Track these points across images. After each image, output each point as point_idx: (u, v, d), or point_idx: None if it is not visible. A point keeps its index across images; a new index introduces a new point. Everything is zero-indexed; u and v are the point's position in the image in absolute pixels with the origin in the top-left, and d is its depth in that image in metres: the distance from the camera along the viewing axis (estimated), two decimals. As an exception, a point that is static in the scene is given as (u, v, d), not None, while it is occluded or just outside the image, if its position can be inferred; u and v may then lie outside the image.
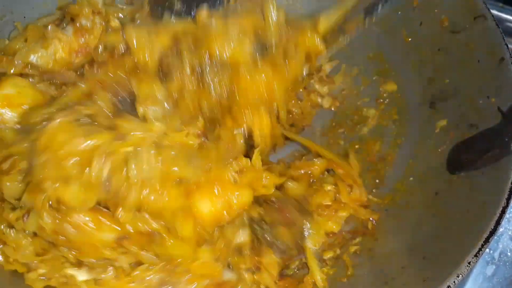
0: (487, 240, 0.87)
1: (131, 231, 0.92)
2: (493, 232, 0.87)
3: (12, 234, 0.98)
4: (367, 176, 1.22)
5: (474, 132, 1.02)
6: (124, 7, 1.24)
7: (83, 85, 1.01)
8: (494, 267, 1.27)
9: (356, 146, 1.30)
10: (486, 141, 0.97)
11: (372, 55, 1.33)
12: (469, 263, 0.86)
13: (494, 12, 1.52)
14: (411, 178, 1.15)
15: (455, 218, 0.97)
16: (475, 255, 0.86)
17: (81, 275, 1.00)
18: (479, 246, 0.87)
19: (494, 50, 1.04)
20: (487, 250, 1.27)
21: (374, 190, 1.18)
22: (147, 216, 0.92)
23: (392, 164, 1.20)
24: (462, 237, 0.92)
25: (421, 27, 1.21)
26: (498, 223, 0.88)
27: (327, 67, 1.38)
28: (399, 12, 1.26)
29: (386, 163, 1.18)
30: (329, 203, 1.13)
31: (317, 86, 1.37)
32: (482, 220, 0.90)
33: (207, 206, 0.94)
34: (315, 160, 1.19)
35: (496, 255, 1.28)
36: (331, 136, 1.34)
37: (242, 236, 1.03)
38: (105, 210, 0.92)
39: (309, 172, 1.18)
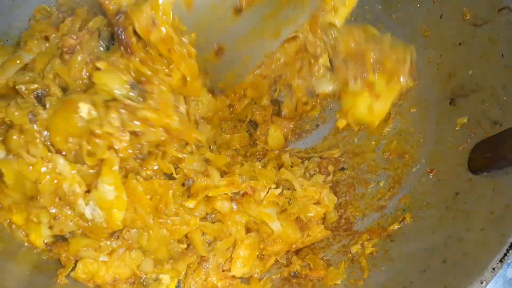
0: (513, 245, 0.83)
1: None
2: (519, 236, 0.84)
3: None
4: (384, 175, 1.19)
5: (497, 130, 0.98)
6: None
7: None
8: (515, 269, 1.22)
9: (373, 143, 1.26)
10: (511, 139, 0.92)
11: (389, 49, 1.28)
12: (493, 269, 0.82)
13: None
14: (431, 177, 1.11)
15: (477, 220, 0.93)
16: (500, 261, 0.83)
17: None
18: (504, 251, 0.83)
19: (519, 43, 1.00)
20: (508, 251, 1.23)
21: (391, 190, 1.14)
22: None
23: (410, 163, 1.16)
24: (485, 240, 0.88)
25: (441, 21, 1.17)
26: (524, 226, 0.84)
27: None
28: (418, 5, 1.22)
29: (404, 162, 1.14)
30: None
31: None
32: (507, 223, 0.86)
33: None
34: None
35: (517, 257, 1.23)
36: (345, 134, 1.31)
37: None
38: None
39: None
